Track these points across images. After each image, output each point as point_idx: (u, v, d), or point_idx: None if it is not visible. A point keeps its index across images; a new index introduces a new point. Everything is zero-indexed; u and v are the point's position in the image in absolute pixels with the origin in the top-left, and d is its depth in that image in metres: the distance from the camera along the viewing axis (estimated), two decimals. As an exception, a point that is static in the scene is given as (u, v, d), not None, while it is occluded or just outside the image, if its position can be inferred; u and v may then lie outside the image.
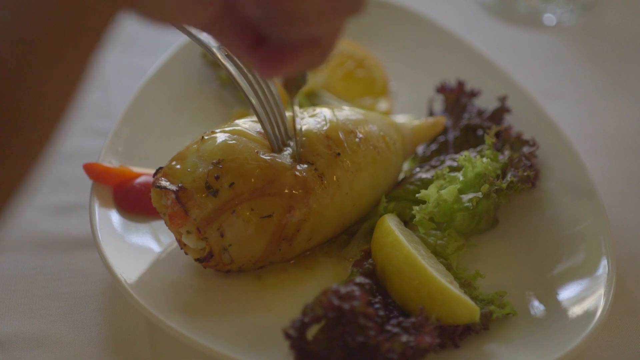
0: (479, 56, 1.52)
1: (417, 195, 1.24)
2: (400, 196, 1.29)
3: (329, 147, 1.20)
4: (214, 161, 1.14)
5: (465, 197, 1.23)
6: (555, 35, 1.76)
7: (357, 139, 1.23)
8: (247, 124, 1.21)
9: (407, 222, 1.26)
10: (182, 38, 1.51)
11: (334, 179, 1.19)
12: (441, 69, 1.53)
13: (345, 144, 1.21)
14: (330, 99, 1.45)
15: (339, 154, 1.20)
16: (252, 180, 1.14)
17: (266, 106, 1.17)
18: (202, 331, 1.09)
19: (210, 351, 1.06)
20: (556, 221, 1.27)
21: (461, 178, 1.25)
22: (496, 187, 1.23)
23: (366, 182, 1.23)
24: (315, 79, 1.48)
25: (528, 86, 1.45)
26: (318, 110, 1.26)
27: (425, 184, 1.29)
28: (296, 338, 1.04)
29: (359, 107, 1.44)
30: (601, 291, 1.14)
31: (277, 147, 1.17)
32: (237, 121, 1.21)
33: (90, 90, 1.54)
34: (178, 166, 1.15)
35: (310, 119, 1.23)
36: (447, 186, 1.24)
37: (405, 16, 1.61)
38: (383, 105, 1.47)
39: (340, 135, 1.22)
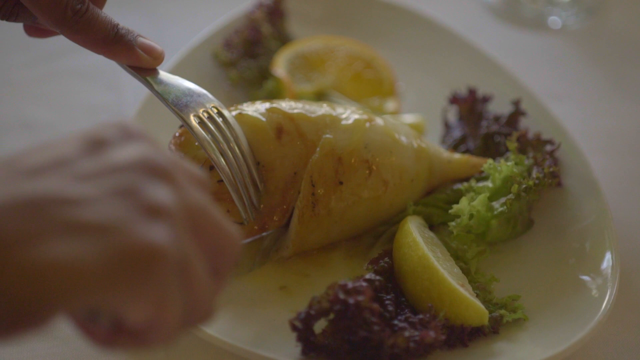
0: (485, 57, 1.54)
1: (450, 211, 1.25)
2: (428, 202, 1.30)
3: (336, 171, 1.21)
4: None
5: (497, 203, 1.24)
6: (560, 38, 1.78)
7: (367, 171, 1.22)
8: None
9: (433, 226, 1.28)
10: (191, 41, 1.53)
11: (328, 207, 1.20)
12: (448, 70, 1.56)
13: (353, 173, 1.21)
14: (339, 99, 1.47)
15: (341, 182, 1.21)
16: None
17: (237, 176, 1.16)
18: (214, 323, 1.09)
19: (222, 343, 1.08)
20: (561, 218, 1.29)
21: (490, 185, 1.26)
22: (524, 186, 1.24)
23: (361, 214, 1.24)
24: (324, 80, 1.50)
25: (533, 87, 1.46)
26: (352, 119, 1.24)
27: (455, 193, 1.30)
28: (302, 330, 1.06)
29: (368, 107, 1.46)
30: (606, 284, 1.16)
31: (248, 217, 1.17)
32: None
33: (102, 91, 1.58)
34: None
35: (339, 132, 1.22)
36: (477, 197, 1.25)
37: (412, 18, 1.63)
38: (391, 105, 1.49)
39: (353, 163, 1.21)
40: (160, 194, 0.75)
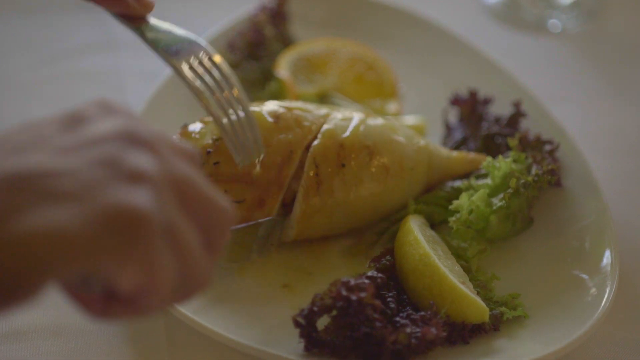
0: (486, 60, 1.55)
1: (450, 207, 1.26)
2: (429, 201, 1.31)
3: (338, 155, 1.23)
4: (214, 137, 1.21)
5: (496, 199, 1.25)
6: (561, 41, 1.79)
7: (369, 155, 1.25)
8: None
9: (434, 225, 1.29)
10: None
11: (331, 188, 1.22)
12: (449, 72, 1.57)
13: (354, 158, 1.24)
14: (341, 101, 1.48)
15: (343, 165, 1.23)
16: (236, 166, 1.18)
17: (233, 124, 1.15)
18: (217, 320, 1.12)
19: (225, 339, 1.09)
20: (561, 218, 1.30)
21: (489, 182, 1.27)
22: (523, 181, 1.25)
23: (363, 198, 1.25)
24: (327, 81, 1.52)
25: (534, 90, 1.48)
26: (353, 115, 1.28)
27: (456, 191, 1.31)
28: (305, 326, 1.07)
29: (369, 109, 1.47)
30: (605, 283, 1.18)
31: (241, 160, 1.16)
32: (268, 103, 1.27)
33: (106, 93, 1.59)
34: (196, 128, 1.23)
35: (339, 122, 1.26)
36: (476, 193, 1.26)
37: (413, 21, 1.65)
38: (392, 106, 1.50)
39: (354, 147, 1.24)
40: (142, 160, 0.75)
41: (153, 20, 1.15)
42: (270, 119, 1.23)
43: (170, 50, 1.13)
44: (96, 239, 0.70)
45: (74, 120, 0.77)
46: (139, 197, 0.72)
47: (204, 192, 0.79)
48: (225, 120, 1.13)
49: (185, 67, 1.12)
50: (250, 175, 1.20)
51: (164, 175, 0.76)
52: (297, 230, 1.24)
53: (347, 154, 1.24)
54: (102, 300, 0.76)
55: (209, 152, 1.19)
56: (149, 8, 1.14)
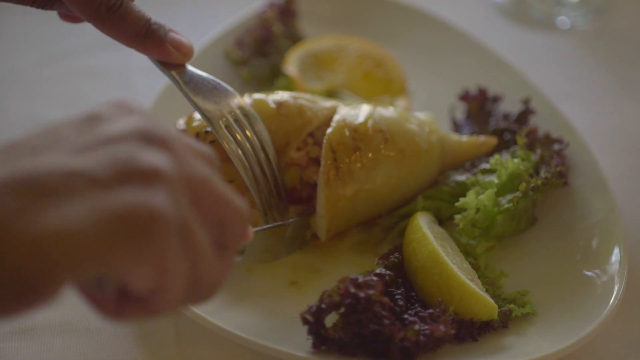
0: (494, 57, 1.55)
1: (456, 204, 1.26)
2: (434, 196, 1.32)
3: (354, 139, 1.24)
4: None
5: (504, 199, 1.25)
6: (569, 39, 1.79)
7: (384, 139, 1.26)
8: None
9: (441, 221, 1.30)
10: (203, 40, 1.55)
11: (350, 170, 1.23)
12: (457, 70, 1.57)
13: (370, 141, 1.25)
14: (349, 98, 1.48)
15: (359, 148, 1.24)
16: None
17: (258, 176, 1.21)
18: (225, 317, 1.13)
19: (233, 336, 1.10)
20: (570, 216, 1.30)
21: (496, 181, 1.27)
22: (533, 185, 1.25)
23: (382, 180, 1.26)
24: (335, 78, 1.52)
25: (541, 86, 1.48)
26: (362, 105, 1.31)
27: (460, 186, 1.31)
28: (313, 323, 1.07)
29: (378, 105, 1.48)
30: (613, 280, 1.18)
31: (265, 215, 1.22)
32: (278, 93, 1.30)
33: (115, 90, 1.60)
34: (199, 115, 1.25)
35: (349, 111, 1.28)
36: (483, 191, 1.27)
37: (421, 18, 1.65)
38: (401, 103, 1.50)
39: (368, 132, 1.25)
40: (156, 159, 0.75)
41: (189, 68, 1.18)
42: (272, 105, 1.25)
43: (206, 106, 1.17)
44: (109, 240, 0.69)
45: (90, 121, 0.77)
46: (153, 197, 0.72)
47: (219, 192, 0.79)
48: (254, 180, 1.20)
49: (222, 126, 1.18)
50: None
51: (179, 174, 0.76)
52: (327, 219, 1.23)
53: (361, 138, 1.25)
54: (115, 300, 0.76)
55: (207, 132, 1.22)
56: (188, 56, 1.16)
